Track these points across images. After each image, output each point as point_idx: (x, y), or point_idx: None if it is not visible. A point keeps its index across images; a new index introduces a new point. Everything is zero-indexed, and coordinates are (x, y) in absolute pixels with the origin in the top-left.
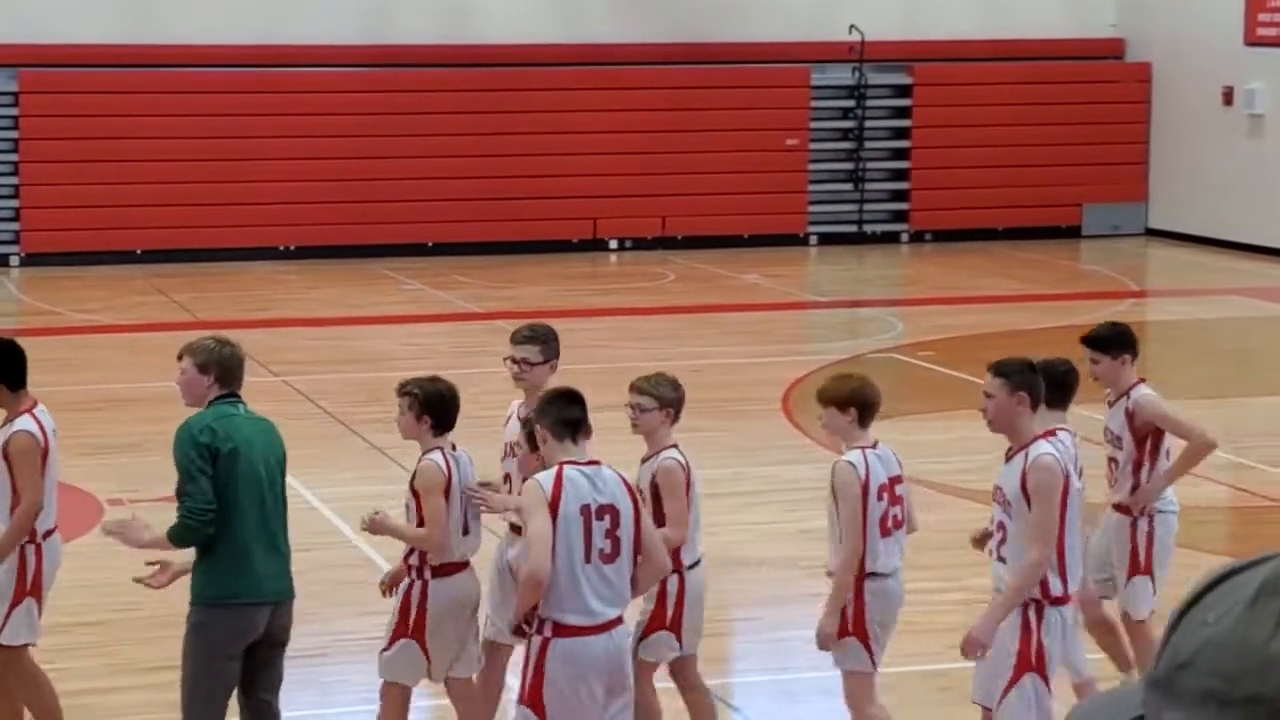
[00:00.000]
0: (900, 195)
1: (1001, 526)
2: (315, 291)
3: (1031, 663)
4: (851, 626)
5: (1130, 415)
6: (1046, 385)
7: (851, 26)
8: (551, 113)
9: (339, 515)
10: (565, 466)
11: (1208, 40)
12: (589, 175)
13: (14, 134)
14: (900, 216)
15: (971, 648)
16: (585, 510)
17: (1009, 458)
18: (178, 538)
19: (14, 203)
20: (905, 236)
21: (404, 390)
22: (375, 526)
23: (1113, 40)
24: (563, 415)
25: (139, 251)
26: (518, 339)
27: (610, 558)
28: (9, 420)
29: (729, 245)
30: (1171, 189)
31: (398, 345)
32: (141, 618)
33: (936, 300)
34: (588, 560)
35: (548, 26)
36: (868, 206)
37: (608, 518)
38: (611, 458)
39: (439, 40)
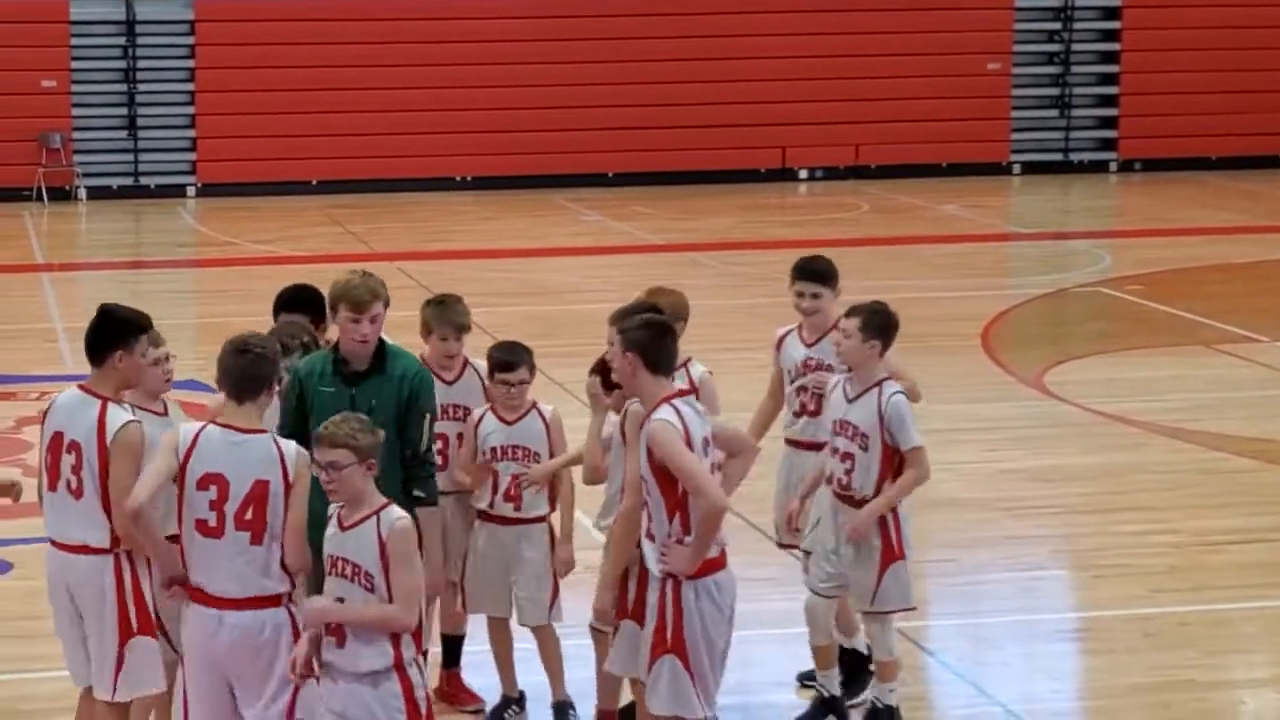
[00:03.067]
0: (1108, 122)
1: (849, 457)
2: (493, 222)
3: (896, 553)
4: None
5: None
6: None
7: None
8: (738, 36)
9: None
10: (677, 401)
11: None
12: (778, 102)
13: (190, 63)
14: (1108, 144)
15: (858, 535)
16: (705, 442)
17: (858, 398)
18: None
19: (190, 133)
20: (1113, 165)
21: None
22: None
23: None
24: (666, 351)
25: (314, 182)
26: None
27: None
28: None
29: (926, 174)
30: None
31: (577, 278)
32: None
33: (1145, 232)
34: None
35: None
36: (1074, 134)
37: (710, 443)
38: None
39: None
